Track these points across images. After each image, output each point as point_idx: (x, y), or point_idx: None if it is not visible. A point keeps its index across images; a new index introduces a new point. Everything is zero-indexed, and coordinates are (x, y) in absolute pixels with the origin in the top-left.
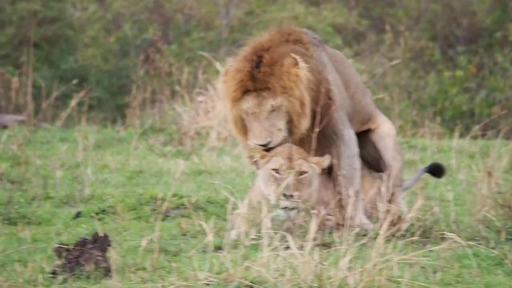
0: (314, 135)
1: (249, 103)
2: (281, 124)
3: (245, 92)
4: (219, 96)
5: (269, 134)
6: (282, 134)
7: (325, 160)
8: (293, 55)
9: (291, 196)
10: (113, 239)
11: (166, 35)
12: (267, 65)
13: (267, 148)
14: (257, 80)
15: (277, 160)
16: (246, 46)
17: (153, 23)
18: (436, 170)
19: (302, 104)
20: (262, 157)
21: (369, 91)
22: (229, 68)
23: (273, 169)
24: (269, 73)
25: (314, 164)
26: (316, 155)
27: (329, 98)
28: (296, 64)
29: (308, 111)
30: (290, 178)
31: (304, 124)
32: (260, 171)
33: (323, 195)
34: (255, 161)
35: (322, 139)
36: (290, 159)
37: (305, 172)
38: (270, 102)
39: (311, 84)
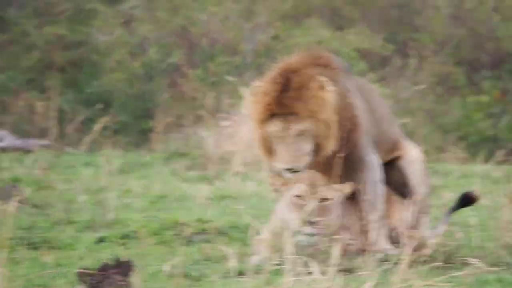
0: (339, 160)
1: (276, 126)
2: (307, 148)
3: (272, 115)
4: (244, 120)
5: (295, 159)
6: (307, 159)
7: (348, 187)
8: (321, 78)
9: (315, 222)
10: (136, 264)
11: (191, 60)
12: (294, 89)
13: (293, 172)
14: (283, 105)
15: (300, 187)
16: (275, 67)
17: (179, 48)
18: (465, 201)
19: (328, 127)
20: (284, 184)
21: (396, 119)
22: (257, 89)
23: (296, 196)
24: (295, 98)
25: (337, 191)
26: (340, 180)
27: (354, 124)
28: (323, 87)
29: (334, 134)
30: (313, 205)
31: (330, 147)
32: (283, 197)
33: (346, 221)
34: (277, 188)
35: (347, 164)
36: (313, 185)
37: (328, 199)
38: (296, 127)
39: (337, 108)
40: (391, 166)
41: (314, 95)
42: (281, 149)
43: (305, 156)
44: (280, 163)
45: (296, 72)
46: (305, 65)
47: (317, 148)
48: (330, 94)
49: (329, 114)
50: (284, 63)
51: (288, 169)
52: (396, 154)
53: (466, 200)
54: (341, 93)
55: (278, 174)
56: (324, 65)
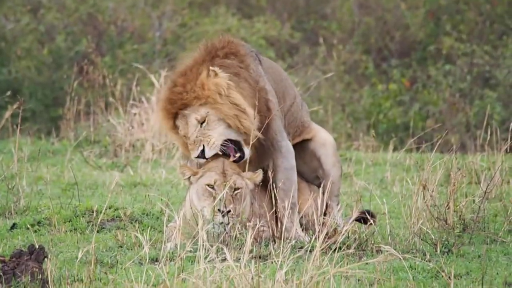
0: (250, 144)
1: (180, 126)
2: (215, 132)
3: (175, 118)
4: (154, 107)
5: (200, 144)
6: (214, 142)
7: (259, 175)
8: (212, 67)
9: (226, 212)
10: (49, 250)
11: (100, 47)
12: (181, 85)
13: (204, 158)
14: (174, 101)
15: (211, 176)
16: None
17: (87, 35)
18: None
19: (235, 106)
20: (194, 174)
21: (305, 102)
22: (157, 98)
23: (208, 185)
24: (182, 91)
25: (247, 179)
26: (255, 167)
27: (268, 108)
28: (215, 74)
29: (248, 110)
30: (224, 194)
31: (247, 123)
32: (193, 185)
33: (259, 208)
34: (188, 178)
35: (260, 150)
36: (224, 174)
37: (239, 188)
38: (193, 116)
39: (250, 92)
40: (299, 150)
41: (201, 83)
42: (189, 142)
43: (210, 139)
44: (191, 154)
45: (185, 73)
46: (200, 62)
47: (237, 129)
48: (222, 79)
49: (229, 95)
50: (179, 67)
51: (198, 157)
52: (305, 137)
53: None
54: (252, 79)
55: (188, 163)
56: (228, 54)
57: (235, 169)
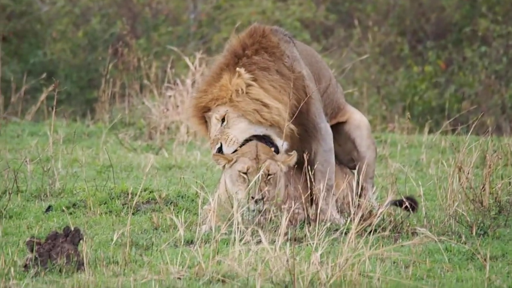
0: (287, 127)
1: (212, 120)
2: (235, 129)
3: (206, 122)
4: (189, 89)
5: (217, 142)
6: (232, 139)
7: (292, 158)
8: (237, 68)
9: (259, 199)
10: (84, 233)
11: (134, 29)
12: (203, 91)
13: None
14: (197, 106)
15: (244, 162)
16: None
17: (121, 17)
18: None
19: (254, 101)
20: (229, 161)
21: (339, 84)
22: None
23: (241, 171)
24: (203, 95)
25: (281, 163)
26: (297, 149)
27: (306, 94)
28: (238, 75)
29: (270, 103)
30: (258, 181)
31: (269, 115)
32: (227, 170)
33: (295, 190)
34: (223, 166)
35: (304, 135)
36: (257, 160)
37: (273, 173)
38: (214, 116)
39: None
40: (334, 132)
41: (221, 85)
42: (210, 140)
43: (227, 136)
44: (211, 148)
45: (213, 73)
46: (228, 61)
47: (262, 121)
48: (243, 80)
49: (250, 92)
50: (208, 69)
51: (218, 150)
52: (340, 119)
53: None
54: (287, 67)
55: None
56: (261, 48)
57: (268, 153)
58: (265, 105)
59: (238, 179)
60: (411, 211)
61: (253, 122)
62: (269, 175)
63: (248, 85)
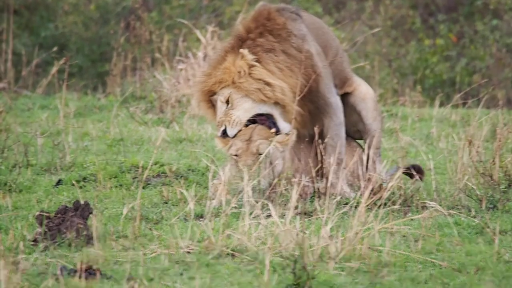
0: (291, 97)
1: (218, 102)
2: (239, 109)
3: (209, 96)
4: (200, 63)
5: (221, 124)
6: (235, 119)
7: (290, 138)
8: (241, 50)
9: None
10: (94, 206)
11: (146, 3)
12: (207, 75)
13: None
14: (203, 90)
15: (236, 144)
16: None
17: None
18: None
19: (257, 80)
20: (225, 144)
21: (346, 55)
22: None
23: (233, 154)
24: (207, 79)
25: (278, 143)
26: (310, 126)
27: (314, 72)
28: (242, 57)
29: (273, 82)
30: (249, 161)
31: (271, 94)
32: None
33: (304, 164)
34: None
35: (314, 110)
36: (248, 141)
37: (263, 153)
38: (219, 99)
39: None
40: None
41: (225, 67)
42: (216, 122)
43: (232, 118)
44: (217, 131)
45: (218, 57)
46: (233, 45)
47: (267, 101)
48: (247, 61)
49: (254, 72)
50: (214, 54)
51: (222, 135)
52: (347, 89)
53: (413, 171)
54: (295, 46)
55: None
56: (266, 31)
57: (264, 134)
58: (268, 83)
59: (232, 162)
60: (419, 179)
61: (257, 101)
62: (259, 154)
63: (251, 66)
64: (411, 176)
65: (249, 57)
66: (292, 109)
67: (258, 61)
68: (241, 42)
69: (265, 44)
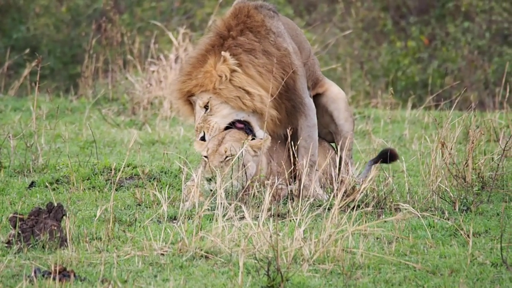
0: (268, 104)
1: (195, 108)
2: (218, 116)
3: (191, 104)
4: (172, 64)
5: (200, 130)
6: (214, 126)
7: (266, 141)
8: (222, 52)
9: (210, 179)
10: (67, 208)
11: (118, 5)
12: (187, 74)
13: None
14: (181, 90)
15: (206, 145)
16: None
17: None
18: (386, 157)
19: (237, 88)
20: (200, 146)
21: (316, 58)
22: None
23: (204, 156)
24: (187, 79)
25: (248, 146)
26: (285, 127)
27: (291, 69)
28: (223, 60)
29: (252, 91)
30: (215, 162)
31: (250, 103)
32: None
33: (277, 166)
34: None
35: (291, 111)
36: (219, 144)
37: (231, 155)
38: (197, 103)
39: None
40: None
41: (206, 70)
42: (194, 127)
43: (210, 124)
44: (196, 135)
45: (198, 55)
46: (214, 43)
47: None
48: (228, 66)
49: (236, 78)
50: (193, 50)
51: (201, 139)
52: (318, 90)
53: (387, 156)
54: (273, 44)
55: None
56: (246, 28)
57: (237, 136)
58: (248, 92)
59: (202, 163)
60: (393, 160)
61: (235, 108)
62: (227, 156)
63: (233, 71)
64: (385, 161)
65: (231, 61)
66: (268, 116)
67: (239, 64)
68: (222, 40)
69: (246, 43)
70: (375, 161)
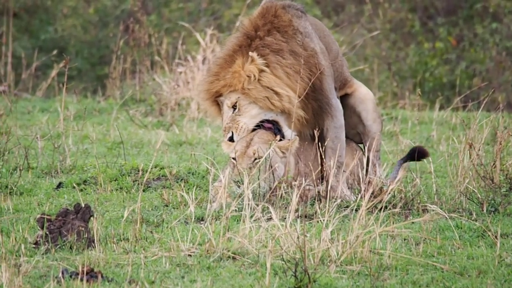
0: (296, 115)
1: (225, 106)
2: (246, 116)
3: (215, 98)
4: (200, 65)
5: (229, 131)
6: (242, 126)
7: (294, 142)
8: (250, 53)
9: (238, 181)
10: (95, 209)
11: (145, 6)
12: (214, 74)
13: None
14: (209, 90)
15: (236, 147)
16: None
17: None
18: (414, 155)
19: (266, 88)
20: (228, 147)
21: (344, 58)
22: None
23: (232, 158)
24: (214, 80)
25: (277, 148)
26: (313, 127)
27: (319, 70)
28: (251, 60)
29: (281, 91)
30: (244, 165)
31: (279, 103)
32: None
33: (304, 167)
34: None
35: (318, 111)
36: (248, 145)
37: (260, 157)
38: (225, 103)
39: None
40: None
41: (234, 70)
42: (223, 127)
43: (239, 124)
44: (224, 136)
45: (226, 55)
46: (241, 43)
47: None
48: (256, 66)
49: (263, 78)
50: (221, 50)
51: (229, 139)
52: (346, 91)
53: (417, 155)
54: (301, 44)
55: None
56: (274, 28)
57: (265, 138)
58: (276, 93)
59: (230, 165)
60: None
61: (264, 108)
62: (255, 158)
63: (261, 71)
64: (412, 159)
65: (259, 61)
66: (296, 116)
67: (266, 65)
68: (249, 40)
69: (273, 44)
70: (404, 160)
